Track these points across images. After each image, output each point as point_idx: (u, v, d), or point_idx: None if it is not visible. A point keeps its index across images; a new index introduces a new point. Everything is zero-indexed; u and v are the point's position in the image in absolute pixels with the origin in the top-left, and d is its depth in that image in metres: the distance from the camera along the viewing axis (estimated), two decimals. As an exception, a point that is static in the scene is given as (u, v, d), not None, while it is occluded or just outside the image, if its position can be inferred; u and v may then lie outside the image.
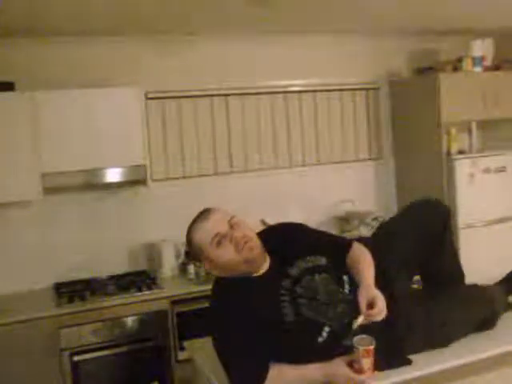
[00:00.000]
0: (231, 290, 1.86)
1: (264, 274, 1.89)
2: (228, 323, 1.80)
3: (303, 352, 1.77)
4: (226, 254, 1.83)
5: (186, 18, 3.26)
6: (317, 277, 1.87)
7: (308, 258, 1.92)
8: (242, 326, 1.76)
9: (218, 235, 1.84)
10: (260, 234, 1.95)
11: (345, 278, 1.91)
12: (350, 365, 1.70)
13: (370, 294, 1.75)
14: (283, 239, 1.99)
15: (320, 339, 1.77)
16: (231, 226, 1.86)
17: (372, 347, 1.65)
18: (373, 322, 1.77)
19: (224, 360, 1.80)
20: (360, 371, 1.67)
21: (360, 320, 1.73)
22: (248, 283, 1.86)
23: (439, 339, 1.93)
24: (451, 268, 2.23)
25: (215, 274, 1.92)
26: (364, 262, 1.92)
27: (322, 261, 1.92)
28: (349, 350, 1.75)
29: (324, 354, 1.76)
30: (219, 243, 1.84)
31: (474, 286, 2.20)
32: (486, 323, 2.04)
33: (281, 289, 1.83)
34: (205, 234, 1.87)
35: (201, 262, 1.93)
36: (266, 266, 1.91)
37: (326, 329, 1.78)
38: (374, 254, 1.99)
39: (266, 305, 1.80)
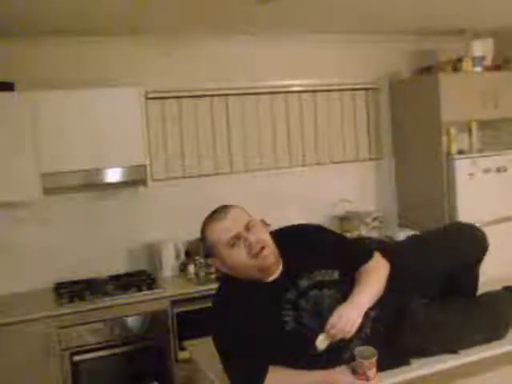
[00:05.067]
0: (236, 291, 1.84)
1: (273, 281, 1.85)
2: (229, 324, 1.79)
3: (301, 362, 1.76)
4: (238, 256, 1.80)
5: (186, 17, 3.26)
6: (325, 292, 1.83)
7: (321, 271, 1.86)
8: (242, 328, 1.75)
9: (233, 237, 1.80)
10: (276, 235, 1.90)
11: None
12: (354, 373, 1.70)
13: (340, 311, 1.72)
14: (299, 246, 1.92)
15: (318, 350, 1.75)
16: (247, 228, 1.82)
17: (375, 358, 1.66)
18: (375, 323, 1.79)
19: (224, 359, 1.80)
20: (367, 379, 1.68)
21: (321, 338, 1.71)
22: (254, 288, 1.83)
23: (443, 349, 1.91)
24: (468, 287, 2.18)
25: (224, 271, 1.88)
26: (367, 280, 1.85)
27: (335, 275, 1.87)
28: (348, 361, 1.75)
29: (322, 365, 1.76)
30: (233, 244, 1.80)
31: (484, 297, 2.14)
32: (493, 337, 2.00)
33: (284, 300, 1.80)
34: (221, 233, 1.82)
35: (212, 258, 1.90)
36: (278, 272, 1.86)
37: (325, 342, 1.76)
38: (396, 262, 1.95)
39: (267, 312, 1.78)
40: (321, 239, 1.97)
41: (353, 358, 1.72)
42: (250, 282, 1.84)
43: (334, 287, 1.84)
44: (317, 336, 1.71)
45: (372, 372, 1.68)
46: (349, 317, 1.72)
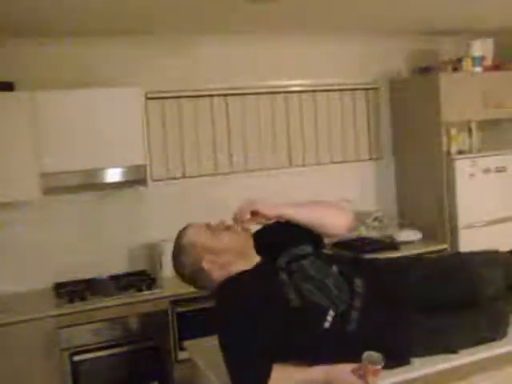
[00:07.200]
0: (234, 285, 1.87)
1: (258, 266, 1.94)
2: (232, 321, 1.79)
3: (310, 339, 1.78)
4: (224, 240, 1.92)
5: (186, 17, 3.26)
6: (303, 261, 1.91)
7: (294, 248, 1.96)
8: (247, 321, 1.75)
9: (208, 226, 1.95)
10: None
11: (334, 267, 1.93)
12: (357, 374, 1.69)
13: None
14: (268, 236, 2.03)
15: (326, 324, 1.78)
16: (209, 228, 1.97)
17: (380, 367, 1.65)
18: (375, 322, 1.79)
19: (228, 359, 1.78)
20: None
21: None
22: (248, 276, 1.89)
23: (443, 349, 1.92)
24: None
25: (216, 270, 1.92)
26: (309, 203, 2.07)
27: (308, 249, 1.97)
28: (352, 335, 1.78)
29: (329, 341, 1.78)
30: (213, 233, 1.93)
31: (484, 296, 2.09)
32: (494, 337, 2.00)
33: (280, 276, 1.86)
34: (194, 230, 1.95)
35: (202, 263, 1.92)
36: (257, 259, 1.97)
37: (331, 313, 1.80)
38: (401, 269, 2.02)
39: (270, 292, 1.82)
40: (283, 225, 2.05)
41: (357, 331, 1.77)
42: (242, 274, 1.89)
43: (311, 256, 1.94)
44: None
45: (373, 380, 1.66)
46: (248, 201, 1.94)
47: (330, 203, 2.14)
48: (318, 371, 1.75)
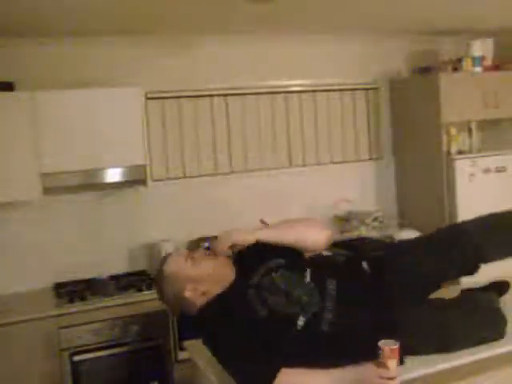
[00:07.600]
0: (210, 311, 1.92)
1: (231, 286, 1.96)
2: (216, 343, 1.85)
3: (284, 342, 1.79)
4: (205, 267, 1.96)
5: (186, 18, 3.26)
6: (274, 275, 1.93)
7: (266, 263, 1.97)
8: (229, 341, 1.80)
9: (189, 253, 1.99)
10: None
11: (308, 273, 1.95)
12: (377, 366, 1.69)
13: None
14: (246, 255, 2.05)
15: (298, 327, 1.81)
16: (190, 257, 2.00)
17: (397, 346, 1.66)
18: (375, 321, 1.79)
19: (230, 367, 1.80)
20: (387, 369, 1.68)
21: None
22: (221, 297, 1.93)
23: (440, 348, 1.92)
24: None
25: (198, 300, 1.96)
26: (286, 223, 2.09)
27: (280, 261, 1.98)
28: (327, 335, 1.80)
29: (304, 341, 1.79)
30: (193, 262, 1.96)
31: (483, 296, 2.16)
32: (494, 337, 2.00)
33: (249, 291, 1.89)
34: (177, 260, 1.99)
35: (185, 292, 1.95)
36: (231, 279, 1.99)
37: (302, 318, 1.82)
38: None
39: (239, 308, 1.85)
40: (258, 244, 2.04)
41: (333, 329, 1.79)
42: (214, 299, 1.94)
43: (282, 268, 1.95)
44: None
45: (392, 362, 1.66)
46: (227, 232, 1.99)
47: (307, 222, 2.18)
48: (346, 374, 1.74)
